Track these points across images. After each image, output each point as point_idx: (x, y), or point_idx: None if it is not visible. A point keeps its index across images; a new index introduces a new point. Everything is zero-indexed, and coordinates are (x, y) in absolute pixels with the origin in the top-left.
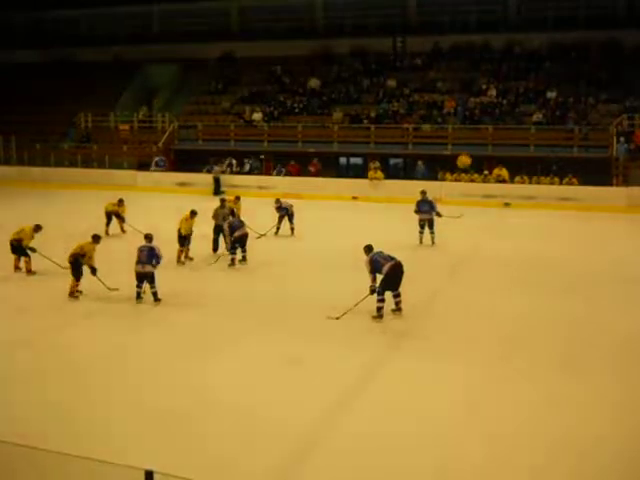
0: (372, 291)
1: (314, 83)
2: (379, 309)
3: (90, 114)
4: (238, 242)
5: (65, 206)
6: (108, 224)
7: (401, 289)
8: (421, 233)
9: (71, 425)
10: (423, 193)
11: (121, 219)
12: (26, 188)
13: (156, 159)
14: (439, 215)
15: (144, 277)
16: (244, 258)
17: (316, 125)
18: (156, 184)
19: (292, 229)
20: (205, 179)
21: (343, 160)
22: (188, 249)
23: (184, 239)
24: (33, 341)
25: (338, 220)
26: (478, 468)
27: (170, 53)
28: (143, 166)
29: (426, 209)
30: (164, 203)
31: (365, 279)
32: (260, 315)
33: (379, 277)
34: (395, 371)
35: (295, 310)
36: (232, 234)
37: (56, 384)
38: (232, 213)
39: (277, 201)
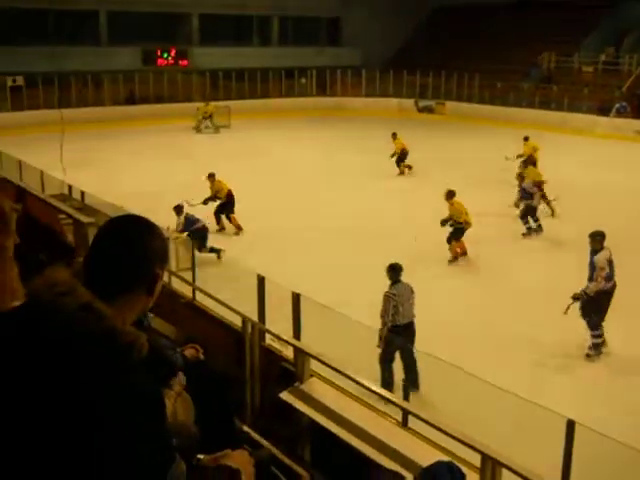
0: (575, 298)
1: None
2: (596, 346)
3: (553, 54)
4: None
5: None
6: None
7: None
8: None
9: None
10: None
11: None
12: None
13: (617, 105)
14: None
15: None
16: (540, 227)
17: None
18: (615, 131)
19: None
20: None
21: None
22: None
23: None
24: None
25: None
26: None
27: None
28: (603, 111)
29: None
30: (623, 151)
31: None
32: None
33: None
34: None
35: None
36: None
37: None
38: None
39: None
